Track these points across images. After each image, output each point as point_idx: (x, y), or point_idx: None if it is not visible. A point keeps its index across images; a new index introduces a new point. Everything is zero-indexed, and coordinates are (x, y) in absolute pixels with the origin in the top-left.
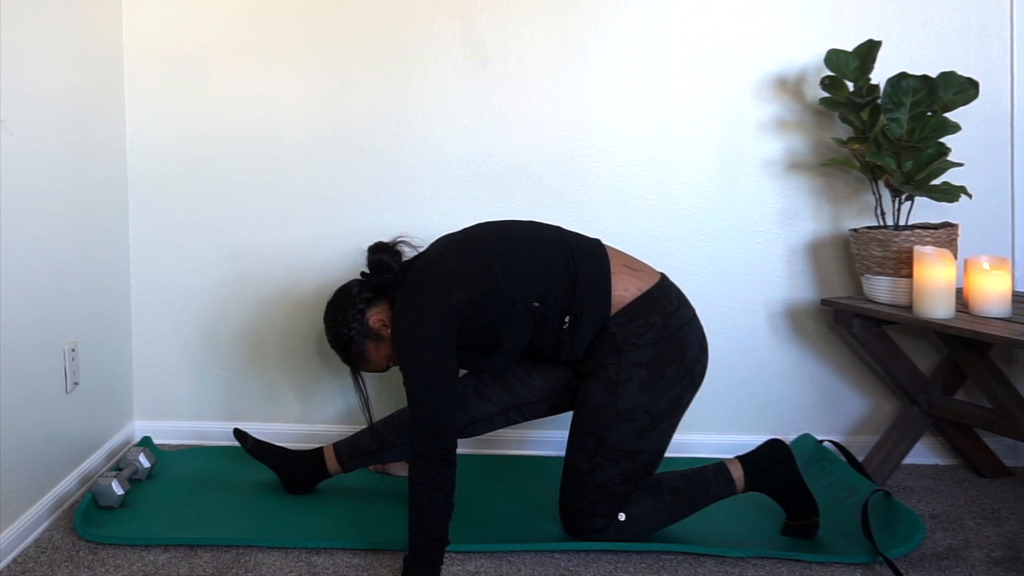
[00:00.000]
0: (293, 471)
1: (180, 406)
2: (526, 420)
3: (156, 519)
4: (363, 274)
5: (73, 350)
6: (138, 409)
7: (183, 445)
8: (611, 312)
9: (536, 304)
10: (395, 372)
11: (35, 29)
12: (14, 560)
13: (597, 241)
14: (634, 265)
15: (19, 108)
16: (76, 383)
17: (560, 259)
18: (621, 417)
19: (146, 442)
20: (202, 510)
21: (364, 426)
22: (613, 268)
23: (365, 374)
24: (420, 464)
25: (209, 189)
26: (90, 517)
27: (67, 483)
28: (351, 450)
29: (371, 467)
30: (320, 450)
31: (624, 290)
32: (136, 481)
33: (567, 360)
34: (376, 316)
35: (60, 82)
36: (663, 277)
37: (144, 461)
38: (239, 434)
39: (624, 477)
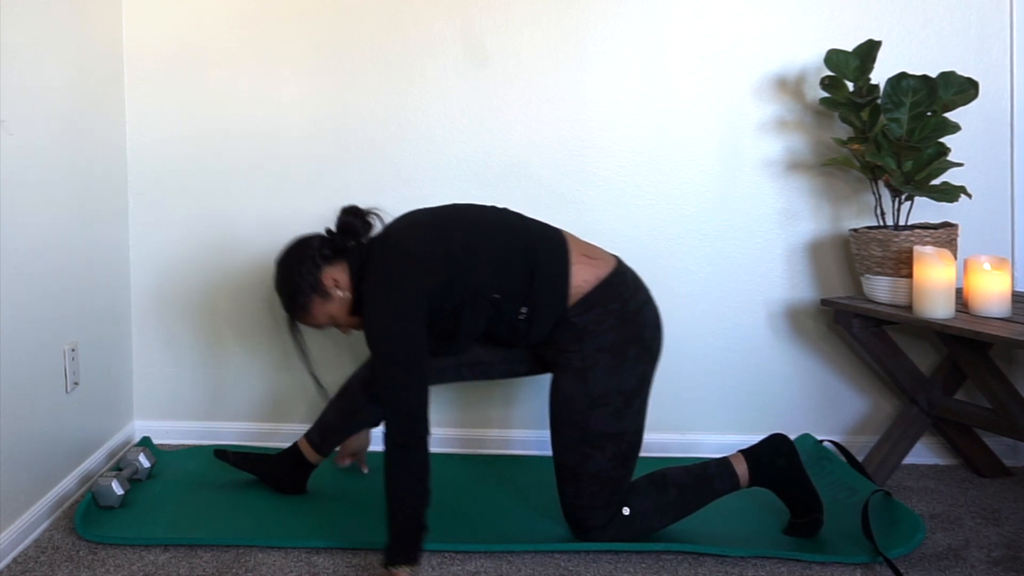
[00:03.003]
0: (278, 473)
1: (180, 406)
2: (478, 379)
3: (156, 519)
4: (328, 231)
5: (73, 350)
6: (138, 409)
7: (183, 445)
8: (569, 303)
9: (496, 295)
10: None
11: (35, 29)
12: (14, 560)
13: (558, 231)
14: (592, 253)
15: (19, 108)
16: (76, 383)
17: (521, 250)
18: (596, 402)
19: (146, 442)
20: (202, 510)
21: (352, 415)
22: (572, 259)
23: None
24: (395, 452)
25: (209, 189)
26: (90, 517)
27: (67, 483)
28: (321, 433)
29: (351, 462)
30: (295, 445)
31: (583, 280)
32: (136, 481)
33: (524, 346)
34: (331, 275)
35: (60, 82)
36: (619, 262)
37: (144, 461)
38: (220, 454)
39: (614, 462)
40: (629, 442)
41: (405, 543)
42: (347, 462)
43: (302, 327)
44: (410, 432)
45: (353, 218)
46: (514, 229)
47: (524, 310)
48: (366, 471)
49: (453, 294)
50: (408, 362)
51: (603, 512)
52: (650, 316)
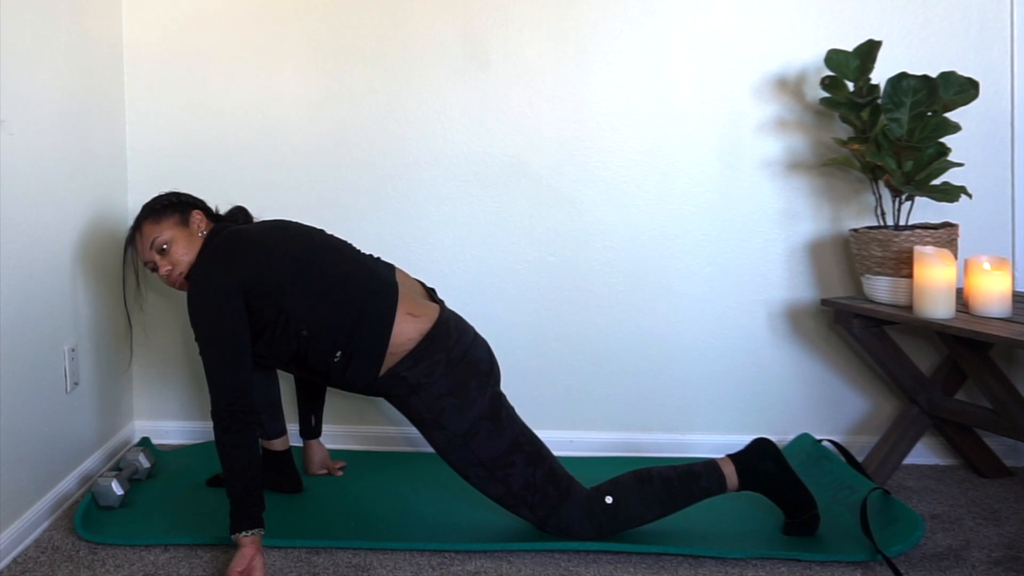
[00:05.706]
0: (269, 476)
1: (180, 406)
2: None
3: (156, 519)
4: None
5: (73, 350)
6: (138, 409)
7: (182, 445)
8: (393, 360)
9: (304, 332)
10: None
11: (35, 29)
12: (14, 560)
13: (395, 286)
14: (416, 310)
15: (19, 108)
16: (76, 383)
17: (352, 302)
18: (469, 437)
19: (146, 442)
20: (202, 510)
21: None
22: (397, 318)
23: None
24: (218, 429)
25: (209, 189)
26: (90, 517)
27: (67, 483)
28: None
29: (325, 471)
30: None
31: (407, 339)
32: (136, 481)
33: (352, 389)
34: (201, 217)
35: (60, 82)
36: (441, 311)
37: (144, 461)
38: (213, 481)
39: (531, 464)
40: (527, 441)
41: (247, 511)
42: (322, 472)
43: (137, 269)
44: (234, 408)
45: (238, 211)
46: (355, 280)
47: (339, 354)
48: (341, 473)
49: (265, 305)
50: (227, 340)
51: (567, 506)
52: (479, 352)
